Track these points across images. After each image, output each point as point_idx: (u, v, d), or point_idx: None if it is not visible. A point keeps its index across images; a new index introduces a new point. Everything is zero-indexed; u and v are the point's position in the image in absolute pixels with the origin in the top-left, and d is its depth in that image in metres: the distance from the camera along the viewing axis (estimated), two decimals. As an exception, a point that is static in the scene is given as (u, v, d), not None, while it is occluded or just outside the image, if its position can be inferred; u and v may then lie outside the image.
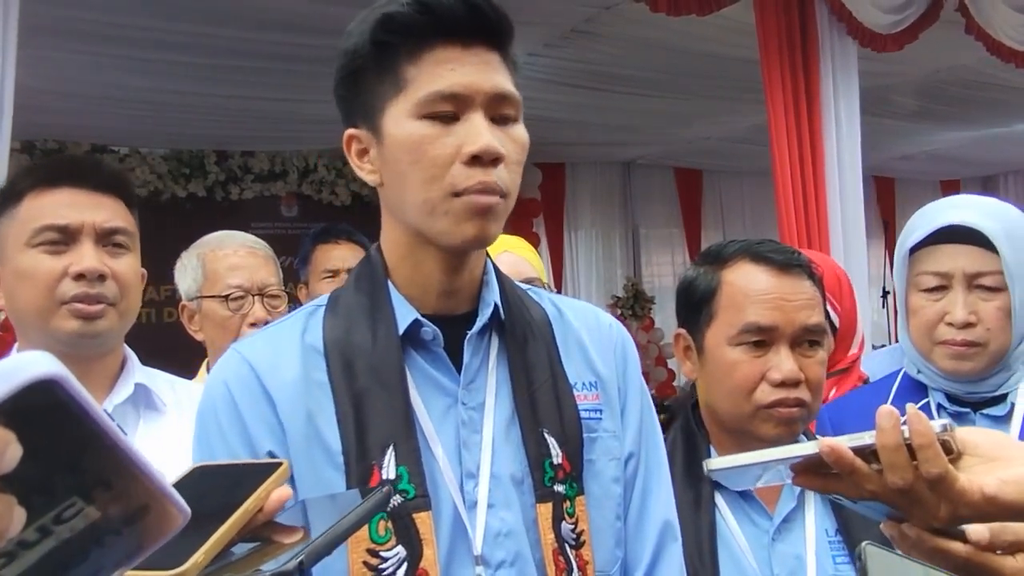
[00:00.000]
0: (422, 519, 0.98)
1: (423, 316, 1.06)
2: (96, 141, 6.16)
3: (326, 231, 2.82)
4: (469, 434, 1.04)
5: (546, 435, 1.05)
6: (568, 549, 1.03)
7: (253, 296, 2.13)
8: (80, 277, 1.37)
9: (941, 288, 1.51)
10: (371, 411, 1.01)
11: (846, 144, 4.12)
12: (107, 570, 0.54)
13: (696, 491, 1.32)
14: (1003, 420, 1.51)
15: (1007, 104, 6.81)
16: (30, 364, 0.45)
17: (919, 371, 1.59)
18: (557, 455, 1.05)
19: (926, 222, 1.53)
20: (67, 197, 1.40)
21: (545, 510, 1.03)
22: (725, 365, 1.36)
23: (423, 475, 1.00)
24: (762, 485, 0.91)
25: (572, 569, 1.02)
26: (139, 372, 1.51)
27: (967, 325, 1.48)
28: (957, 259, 1.49)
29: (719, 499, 1.33)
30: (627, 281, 8.55)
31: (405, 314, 1.06)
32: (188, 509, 0.58)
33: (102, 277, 1.39)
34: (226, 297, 2.12)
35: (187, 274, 2.19)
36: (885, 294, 8.02)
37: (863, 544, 0.87)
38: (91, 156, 1.37)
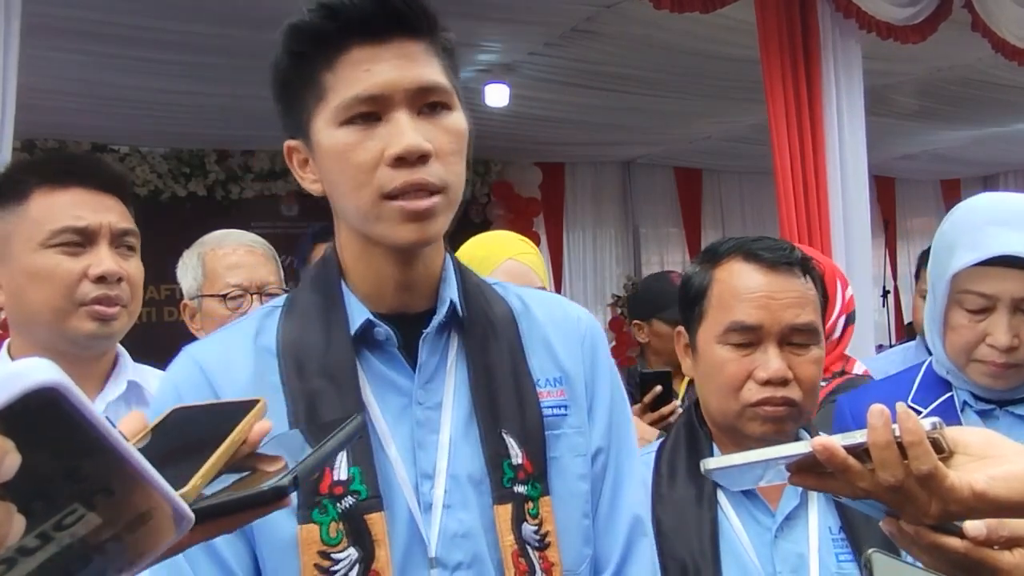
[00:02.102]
0: (374, 520, 0.97)
1: (380, 315, 1.05)
2: (97, 140, 6.16)
3: (326, 230, 2.80)
4: (425, 434, 1.03)
5: (505, 435, 1.03)
6: (531, 551, 1.01)
7: (252, 295, 2.14)
8: (101, 279, 1.39)
9: (985, 310, 1.48)
10: (323, 412, 0.99)
11: (849, 143, 4.10)
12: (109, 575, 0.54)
13: (699, 488, 1.32)
14: None
15: (1007, 103, 6.82)
16: (30, 372, 0.45)
17: (947, 372, 1.58)
18: (517, 455, 1.03)
19: (975, 243, 1.46)
20: (78, 197, 1.40)
21: (504, 511, 1.01)
22: (714, 363, 1.36)
23: (375, 475, 0.98)
24: (764, 484, 0.91)
25: (535, 571, 1.01)
26: (131, 370, 1.52)
27: (1010, 349, 1.46)
28: (1005, 283, 1.45)
29: (721, 496, 1.33)
30: (627, 280, 8.55)
31: (358, 314, 1.05)
32: (191, 514, 0.58)
33: (119, 279, 1.41)
34: (224, 296, 2.12)
35: (188, 273, 2.20)
36: (885, 294, 8.03)
37: (869, 552, 0.89)
38: (91, 154, 1.36)
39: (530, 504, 1.02)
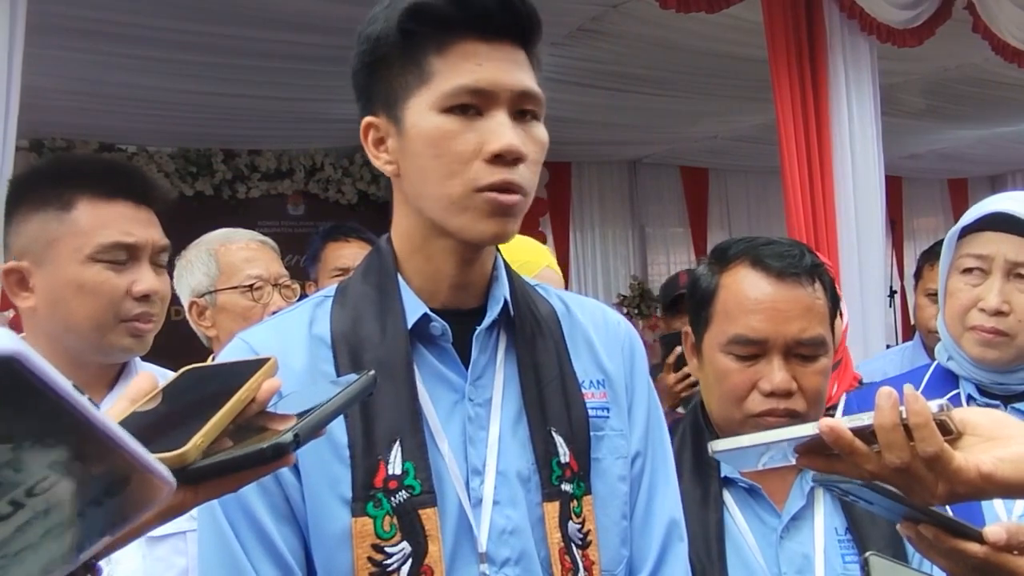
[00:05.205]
0: (428, 515, 0.97)
1: (432, 310, 1.05)
2: (104, 140, 6.16)
3: (336, 229, 2.83)
4: (475, 430, 1.04)
5: (554, 434, 1.05)
6: (574, 549, 1.02)
7: (272, 286, 2.17)
8: (144, 297, 1.41)
9: (981, 272, 1.51)
10: (378, 405, 1.00)
11: (860, 143, 4.06)
12: (91, 540, 0.54)
13: (704, 488, 1.32)
14: None
15: (1015, 103, 6.79)
16: None
17: (950, 358, 1.59)
18: (564, 454, 1.04)
19: (978, 209, 1.54)
20: (125, 211, 1.41)
21: (552, 509, 1.02)
22: (718, 371, 1.35)
23: (429, 471, 0.99)
24: (762, 467, 0.91)
25: (578, 569, 1.02)
26: (138, 372, 1.52)
27: (998, 313, 1.48)
28: (1000, 245, 1.49)
29: (727, 496, 1.33)
30: (633, 280, 8.54)
31: (414, 308, 1.05)
32: (172, 480, 0.58)
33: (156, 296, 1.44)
34: (250, 287, 2.14)
35: (196, 270, 2.20)
36: (892, 294, 8.00)
37: (867, 554, 0.89)
38: (134, 166, 1.38)
39: (574, 503, 1.04)
